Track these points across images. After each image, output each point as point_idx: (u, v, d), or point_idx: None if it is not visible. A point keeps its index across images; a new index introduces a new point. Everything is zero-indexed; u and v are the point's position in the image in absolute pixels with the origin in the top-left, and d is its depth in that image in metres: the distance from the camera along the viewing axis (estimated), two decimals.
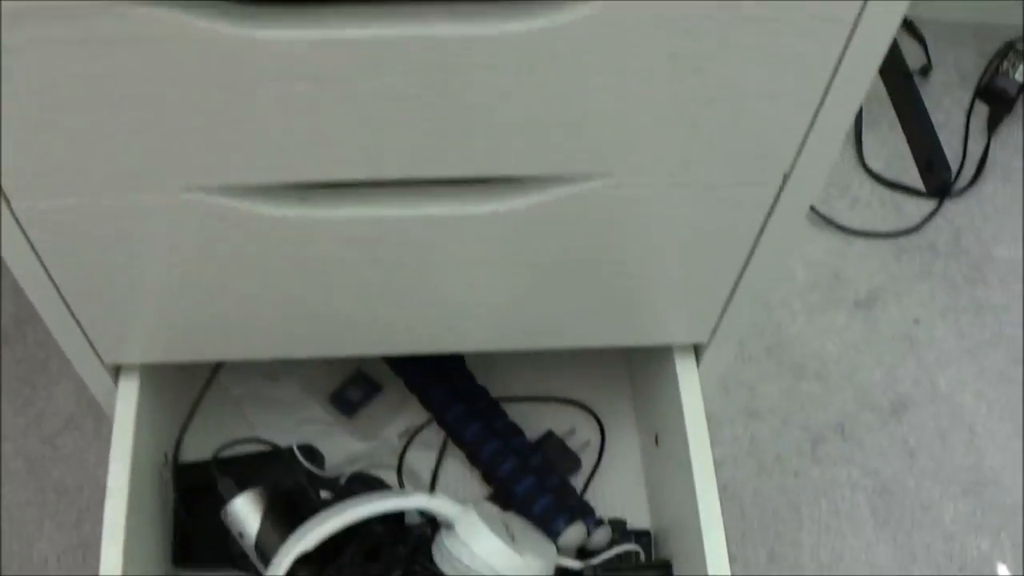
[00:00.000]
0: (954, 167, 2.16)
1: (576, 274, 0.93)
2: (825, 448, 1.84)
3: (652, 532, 1.22)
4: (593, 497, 1.25)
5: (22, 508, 1.68)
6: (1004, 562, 1.80)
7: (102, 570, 0.97)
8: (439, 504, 1.05)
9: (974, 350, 1.98)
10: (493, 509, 1.13)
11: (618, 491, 1.27)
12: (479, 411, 1.21)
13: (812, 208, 2.05)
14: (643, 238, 0.89)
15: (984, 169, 2.17)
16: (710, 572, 1.01)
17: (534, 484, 1.16)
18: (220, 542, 1.12)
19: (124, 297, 0.91)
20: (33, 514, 1.68)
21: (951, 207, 2.14)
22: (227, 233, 0.83)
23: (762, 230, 0.89)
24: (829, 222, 2.07)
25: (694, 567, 1.04)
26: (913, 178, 2.16)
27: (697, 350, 1.11)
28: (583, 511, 1.17)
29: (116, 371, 1.07)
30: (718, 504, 1.03)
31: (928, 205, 2.12)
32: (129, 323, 0.96)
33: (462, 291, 0.93)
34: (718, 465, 1.75)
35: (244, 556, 1.09)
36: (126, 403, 1.06)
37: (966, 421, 1.90)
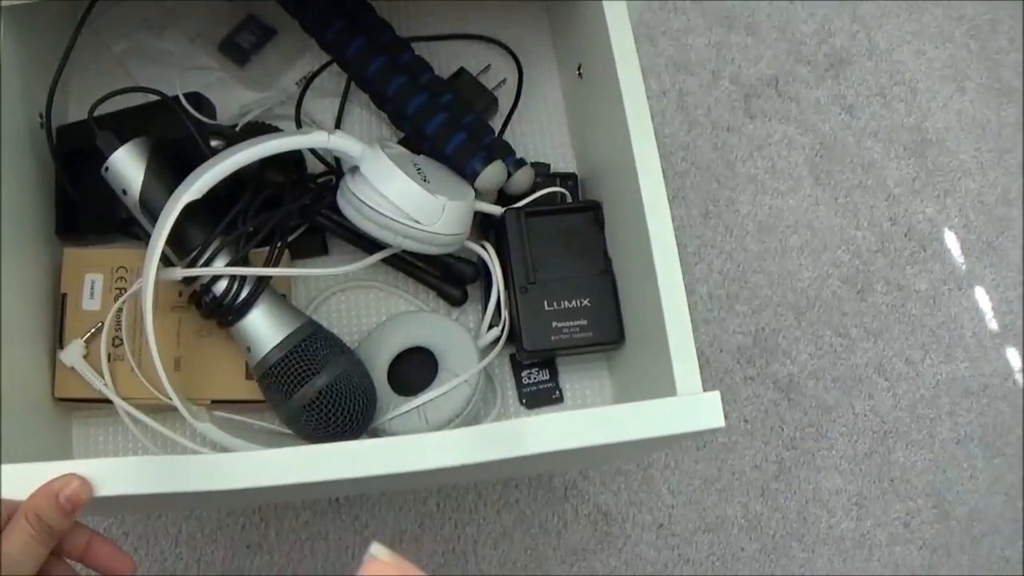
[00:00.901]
0: None
1: None
2: (759, 104, 1.76)
3: (579, 175, 1.13)
4: (513, 140, 1.15)
5: None
6: (951, 228, 1.75)
7: None
8: (340, 142, 0.94)
9: (912, 6, 1.89)
10: (402, 150, 1.03)
11: (540, 133, 1.18)
12: (382, 46, 1.10)
13: None
14: None
15: None
16: (648, 212, 0.90)
17: (446, 121, 1.05)
18: (106, 207, 1.03)
19: None
20: None
21: None
22: None
23: None
24: None
25: (628, 209, 0.95)
26: None
27: None
28: (502, 150, 1.07)
29: None
30: (652, 136, 0.92)
31: None
32: None
33: None
34: None
35: (132, 221, 0.99)
36: None
37: (906, 79, 1.83)
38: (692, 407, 0.82)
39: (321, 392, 0.92)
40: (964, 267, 1.74)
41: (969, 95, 1.85)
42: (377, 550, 0.57)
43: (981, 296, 1.74)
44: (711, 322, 1.63)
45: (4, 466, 0.78)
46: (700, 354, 1.59)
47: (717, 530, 1.58)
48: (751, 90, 1.76)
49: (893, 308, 1.70)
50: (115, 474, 0.78)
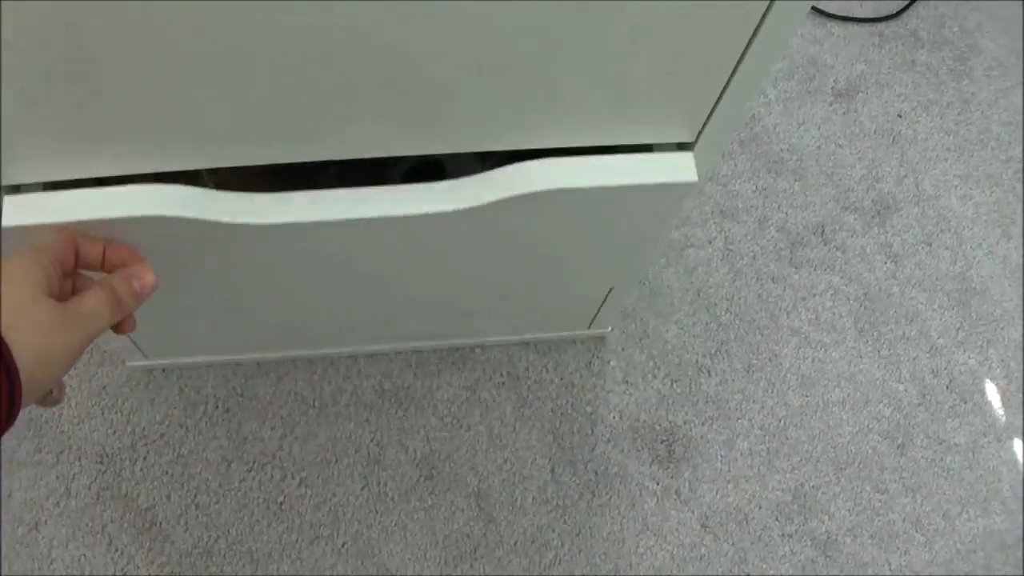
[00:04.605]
0: None
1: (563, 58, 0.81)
2: (805, 252, 1.75)
3: None
4: None
5: None
6: (992, 380, 1.73)
7: None
8: None
9: (960, 148, 1.89)
10: None
11: None
12: None
13: None
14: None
15: None
16: None
17: None
18: None
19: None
20: None
21: None
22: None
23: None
24: None
25: None
26: None
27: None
28: None
29: None
30: None
31: None
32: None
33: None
34: (691, 270, 1.65)
35: None
36: None
37: (952, 225, 1.81)
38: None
39: None
40: (1004, 419, 1.71)
41: (1015, 241, 1.82)
42: None
43: (1019, 448, 1.71)
44: (751, 479, 1.60)
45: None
46: (739, 511, 1.56)
47: None
48: (797, 238, 1.75)
49: (932, 463, 1.67)
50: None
